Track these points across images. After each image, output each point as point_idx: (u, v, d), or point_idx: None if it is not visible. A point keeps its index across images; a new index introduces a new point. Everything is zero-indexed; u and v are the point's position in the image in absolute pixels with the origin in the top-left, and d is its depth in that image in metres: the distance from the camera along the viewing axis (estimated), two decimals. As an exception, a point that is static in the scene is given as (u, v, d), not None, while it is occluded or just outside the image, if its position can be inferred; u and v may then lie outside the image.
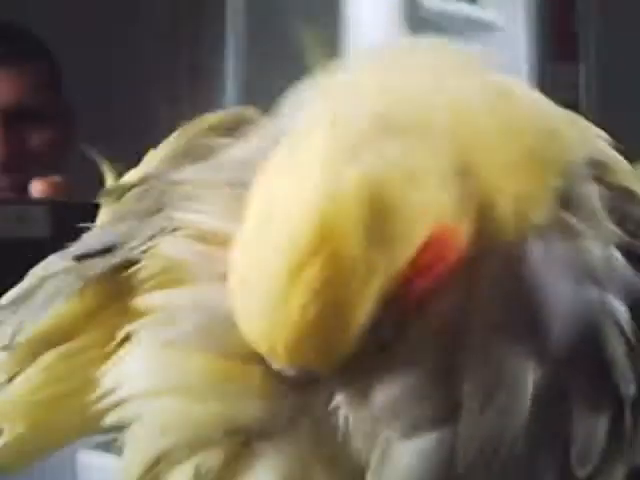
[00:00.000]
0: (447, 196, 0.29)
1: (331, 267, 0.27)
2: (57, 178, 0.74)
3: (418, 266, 0.28)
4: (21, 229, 0.58)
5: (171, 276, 0.32)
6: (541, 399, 0.29)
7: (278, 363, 0.28)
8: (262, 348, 0.28)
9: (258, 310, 0.28)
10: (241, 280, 0.28)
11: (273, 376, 0.29)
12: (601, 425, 0.30)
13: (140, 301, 0.32)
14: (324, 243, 0.27)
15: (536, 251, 0.31)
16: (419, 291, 0.29)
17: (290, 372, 0.28)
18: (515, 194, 0.31)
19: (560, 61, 1.25)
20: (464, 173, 0.30)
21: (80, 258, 0.34)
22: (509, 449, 0.29)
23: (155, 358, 0.31)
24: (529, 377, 0.29)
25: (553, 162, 0.32)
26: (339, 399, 0.29)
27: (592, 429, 0.30)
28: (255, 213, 0.29)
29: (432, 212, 0.29)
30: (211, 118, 0.39)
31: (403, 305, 0.29)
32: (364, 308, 0.28)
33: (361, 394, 0.29)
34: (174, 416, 0.30)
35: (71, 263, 0.34)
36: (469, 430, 0.29)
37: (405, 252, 0.28)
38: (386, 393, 0.29)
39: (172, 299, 0.31)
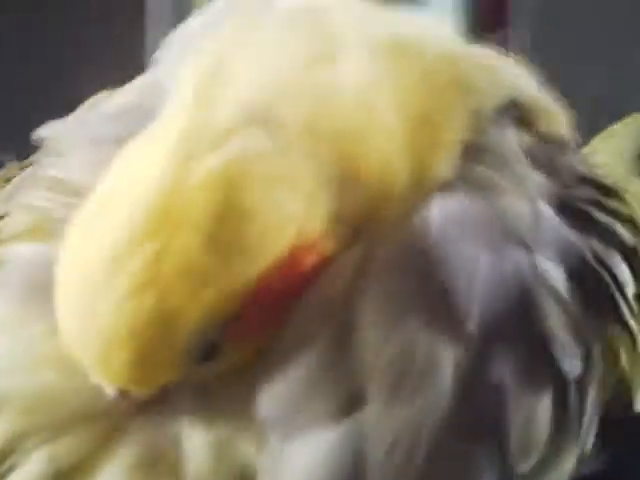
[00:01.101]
0: (317, 205, 0.25)
1: (158, 264, 0.23)
2: None
3: (269, 283, 0.25)
4: None
5: (35, 229, 0.29)
6: (464, 381, 0.25)
7: (94, 378, 0.24)
8: (77, 355, 0.24)
9: (73, 307, 0.24)
10: (65, 269, 0.25)
11: None
12: (542, 408, 0.27)
13: None
14: (155, 235, 0.23)
15: (440, 214, 0.27)
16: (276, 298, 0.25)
17: (110, 392, 0.24)
18: (412, 157, 0.27)
19: (490, 31, 1.23)
20: (346, 177, 0.26)
21: None
22: (431, 441, 0.25)
23: None
24: (445, 357, 0.25)
25: (457, 114, 0.29)
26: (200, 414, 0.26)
27: (531, 413, 0.26)
28: (96, 197, 0.25)
29: (295, 223, 0.25)
30: None
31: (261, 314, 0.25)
32: (191, 321, 0.24)
33: (240, 401, 0.25)
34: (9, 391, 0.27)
35: None
36: (376, 421, 0.25)
37: (253, 268, 0.24)
38: (269, 395, 0.25)
39: (14, 253, 0.29)
